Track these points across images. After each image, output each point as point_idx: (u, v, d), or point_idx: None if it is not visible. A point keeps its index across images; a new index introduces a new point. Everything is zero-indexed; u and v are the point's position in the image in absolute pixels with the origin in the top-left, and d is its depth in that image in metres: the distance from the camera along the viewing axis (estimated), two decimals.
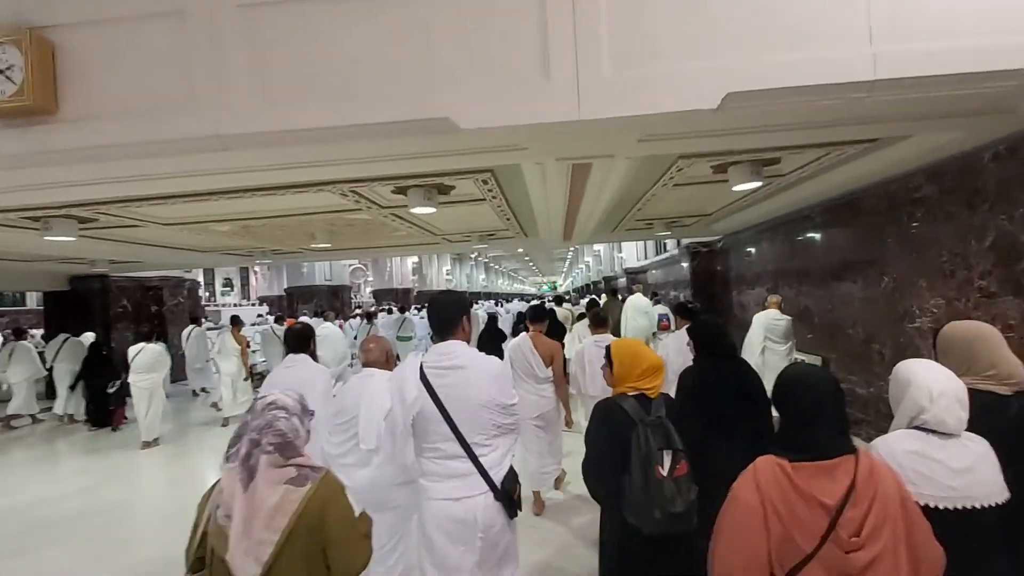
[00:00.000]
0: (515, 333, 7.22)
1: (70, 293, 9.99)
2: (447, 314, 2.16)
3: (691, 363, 2.72)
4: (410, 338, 11.46)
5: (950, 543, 1.32)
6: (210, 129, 2.40)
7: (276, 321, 10.69)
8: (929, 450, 1.47)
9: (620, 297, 10.95)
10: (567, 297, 19.72)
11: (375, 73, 2.35)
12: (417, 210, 4.72)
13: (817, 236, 5.90)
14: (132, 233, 5.92)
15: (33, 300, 17.96)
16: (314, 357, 3.37)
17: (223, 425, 7.71)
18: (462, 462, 2.02)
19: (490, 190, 4.76)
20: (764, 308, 6.14)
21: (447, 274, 29.26)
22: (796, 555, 1.27)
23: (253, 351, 9.16)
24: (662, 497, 1.82)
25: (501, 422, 2.07)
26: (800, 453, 1.34)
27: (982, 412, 1.56)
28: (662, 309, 8.65)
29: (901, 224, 4.31)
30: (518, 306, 18.38)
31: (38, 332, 11.57)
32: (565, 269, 44.35)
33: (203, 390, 9.80)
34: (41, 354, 8.76)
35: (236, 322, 8.33)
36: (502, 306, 19.25)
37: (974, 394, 1.59)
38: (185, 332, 10.17)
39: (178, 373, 9.90)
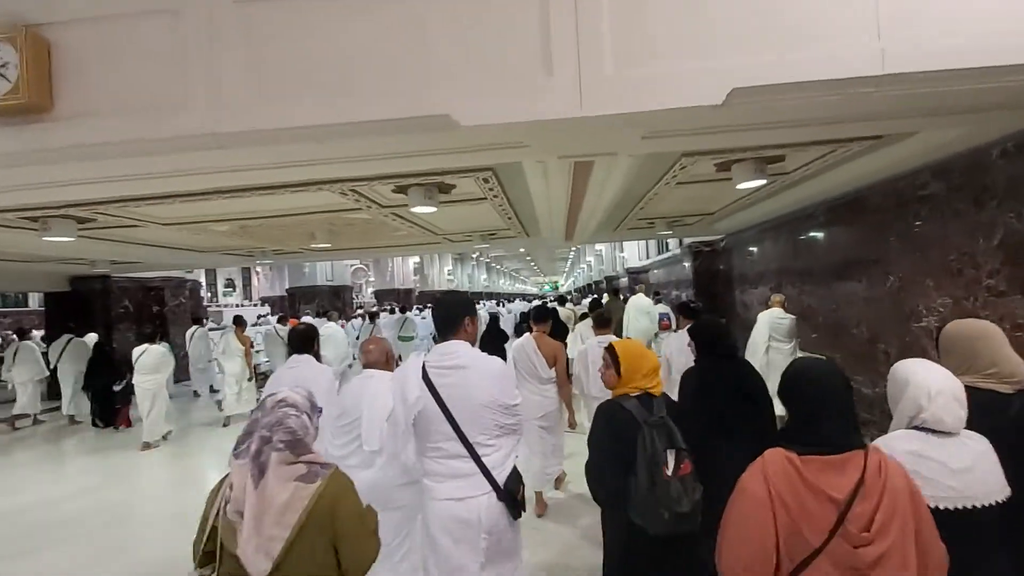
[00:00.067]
0: (518, 333, 7.19)
1: (71, 294, 9.99)
2: (450, 314, 2.17)
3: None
4: (411, 338, 11.46)
5: (951, 543, 1.31)
6: (207, 127, 2.36)
7: (279, 321, 10.71)
8: (928, 450, 1.46)
9: (622, 297, 10.91)
10: (569, 297, 19.68)
11: (372, 69, 2.31)
12: (417, 209, 4.69)
13: (821, 235, 5.85)
14: (131, 233, 5.90)
15: (35, 301, 17.99)
16: (318, 357, 3.37)
17: (224, 425, 7.72)
18: (465, 462, 2.02)
19: (491, 189, 4.72)
20: (768, 307, 6.11)
21: (448, 274, 29.27)
22: (804, 549, 1.26)
23: (257, 351, 9.17)
24: (668, 497, 1.81)
25: (504, 422, 2.07)
26: (808, 447, 1.33)
27: (983, 411, 1.57)
28: (663, 308, 8.63)
29: (907, 222, 4.26)
30: (520, 306, 18.37)
31: (38, 333, 11.56)
32: (567, 269, 44.34)
33: (212, 390, 9.83)
34: (44, 355, 8.77)
35: (240, 322, 8.34)
36: (503, 306, 19.22)
37: (975, 393, 1.60)
38: (188, 332, 10.18)
39: (180, 374, 9.90)
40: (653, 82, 2.23)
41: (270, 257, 8.84)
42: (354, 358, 9.39)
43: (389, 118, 2.31)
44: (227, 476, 1.52)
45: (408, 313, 12.60)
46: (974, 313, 3.53)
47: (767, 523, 1.29)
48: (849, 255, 5.21)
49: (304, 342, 3.33)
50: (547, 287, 58.54)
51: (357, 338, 10.41)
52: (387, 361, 2.81)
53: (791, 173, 4.69)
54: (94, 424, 8.02)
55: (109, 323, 10.01)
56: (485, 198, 5.13)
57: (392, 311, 13.86)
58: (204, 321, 11.59)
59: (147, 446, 6.66)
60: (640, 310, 8.49)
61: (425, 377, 2.05)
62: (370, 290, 24.49)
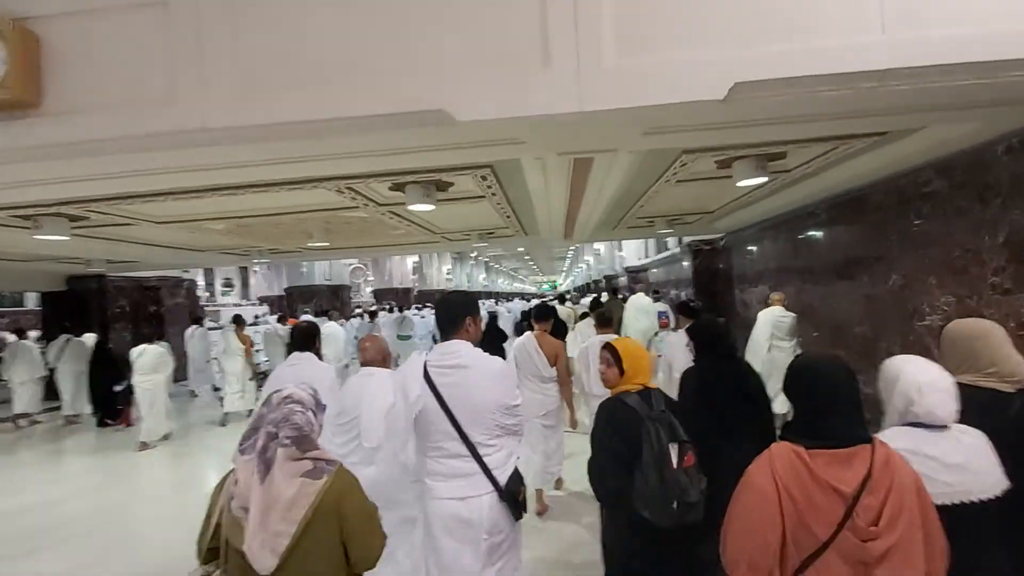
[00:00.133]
0: (519, 332, 7.16)
1: (68, 293, 9.94)
2: (452, 314, 2.18)
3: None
4: (410, 337, 11.43)
5: (950, 538, 1.32)
6: (197, 122, 2.32)
7: (279, 320, 10.70)
8: (923, 446, 1.46)
9: (621, 296, 10.88)
10: (568, 296, 19.66)
11: (364, 63, 2.26)
12: (415, 207, 4.65)
13: (823, 233, 5.81)
14: (125, 232, 5.85)
15: (32, 301, 17.91)
16: (319, 355, 3.36)
17: (222, 425, 7.71)
18: (466, 462, 2.03)
19: (489, 187, 4.68)
20: (768, 305, 6.08)
21: (447, 274, 29.22)
22: (812, 543, 1.26)
23: (257, 350, 9.16)
24: (678, 488, 1.83)
25: (504, 422, 2.08)
26: (815, 440, 1.33)
27: (984, 410, 1.58)
28: (662, 307, 8.60)
29: (909, 220, 4.22)
30: (519, 305, 18.34)
31: (35, 334, 11.50)
32: (565, 268, 44.31)
33: (214, 388, 9.80)
34: (41, 354, 8.75)
35: (239, 321, 8.33)
36: (502, 305, 19.19)
37: (976, 392, 1.63)
38: (188, 332, 10.16)
39: (179, 373, 9.85)
40: (654, 76, 2.18)
41: (267, 256, 8.79)
42: (352, 358, 9.37)
43: (384, 113, 2.26)
44: (231, 472, 1.52)
45: (406, 312, 12.57)
46: (978, 311, 3.49)
47: (773, 516, 1.29)
48: (851, 253, 5.17)
49: (306, 339, 3.32)
50: (546, 286, 58.51)
51: (356, 337, 10.38)
52: (384, 358, 2.81)
53: (792, 171, 4.64)
54: (100, 424, 8.02)
55: (106, 323, 9.96)
56: (483, 196, 5.08)
57: (391, 310, 13.83)
58: (203, 321, 11.56)
59: (144, 446, 6.64)
60: (640, 310, 8.46)
61: (426, 376, 2.05)
62: (368, 289, 24.42)
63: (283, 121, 2.29)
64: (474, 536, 2.00)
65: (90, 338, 8.94)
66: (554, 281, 58.36)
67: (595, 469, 2.04)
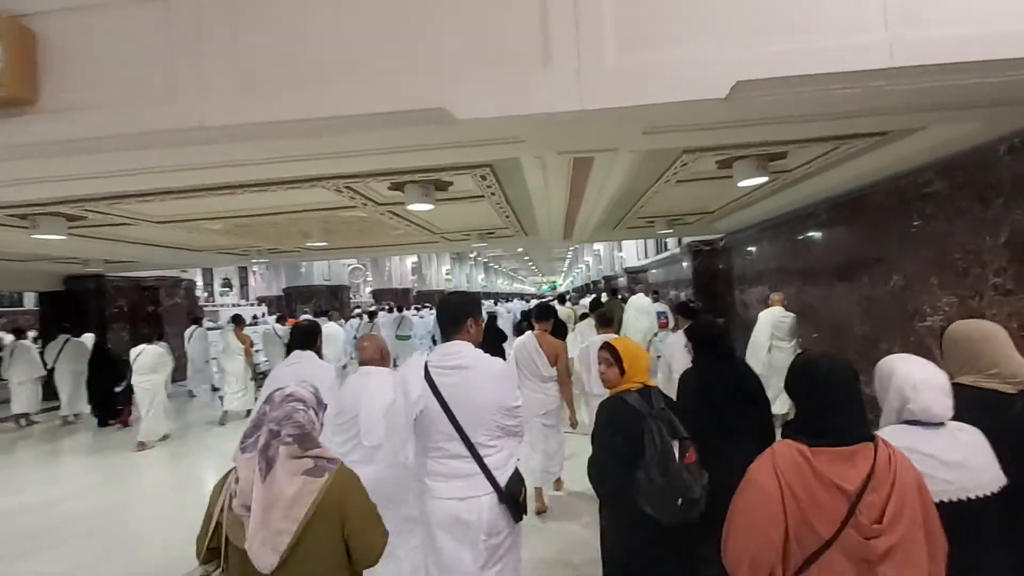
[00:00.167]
0: (519, 332, 7.14)
1: (66, 293, 9.91)
2: (453, 314, 2.18)
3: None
4: (409, 337, 11.41)
5: (949, 536, 1.32)
6: (195, 120, 2.30)
7: (278, 321, 10.69)
8: (919, 444, 1.45)
9: (620, 296, 10.86)
10: (568, 297, 19.65)
11: (363, 61, 2.25)
12: (414, 207, 4.63)
13: (823, 233, 5.80)
14: (123, 232, 5.83)
15: (30, 301, 17.87)
16: (319, 354, 3.35)
17: (221, 424, 7.69)
18: (466, 462, 2.03)
19: (489, 186, 4.66)
20: (767, 306, 6.07)
21: (447, 274, 29.20)
22: (815, 541, 1.26)
23: (256, 351, 9.15)
24: (682, 485, 1.83)
25: (505, 423, 2.07)
26: (818, 438, 1.32)
27: (985, 411, 1.57)
28: (661, 307, 8.60)
29: (910, 220, 4.21)
30: (518, 305, 18.32)
31: (33, 334, 11.47)
32: (565, 269, 44.32)
33: (214, 388, 9.78)
34: (40, 354, 8.73)
35: (238, 321, 8.32)
36: (501, 305, 19.17)
37: (978, 392, 1.63)
38: (187, 332, 10.14)
39: (178, 374, 9.83)
40: (655, 75, 2.17)
41: (265, 256, 8.77)
42: (351, 358, 9.35)
43: (382, 112, 2.25)
44: (232, 471, 1.51)
45: (406, 312, 12.55)
46: (980, 312, 3.49)
47: (776, 514, 1.29)
48: (851, 254, 5.16)
49: (307, 338, 3.31)
50: (545, 287, 58.51)
51: (355, 338, 10.37)
52: (382, 357, 2.81)
53: (793, 171, 4.63)
54: (101, 424, 7.99)
55: (104, 323, 9.93)
56: (483, 196, 5.07)
57: (390, 310, 13.82)
58: (202, 321, 11.54)
59: (142, 446, 6.62)
60: (640, 310, 8.46)
61: (427, 377, 2.05)
62: (368, 290, 24.39)
63: (282, 120, 2.27)
64: (473, 536, 2.00)
65: (89, 338, 8.92)
66: (553, 282, 58.35)
67: (596, 468, 2.04)
